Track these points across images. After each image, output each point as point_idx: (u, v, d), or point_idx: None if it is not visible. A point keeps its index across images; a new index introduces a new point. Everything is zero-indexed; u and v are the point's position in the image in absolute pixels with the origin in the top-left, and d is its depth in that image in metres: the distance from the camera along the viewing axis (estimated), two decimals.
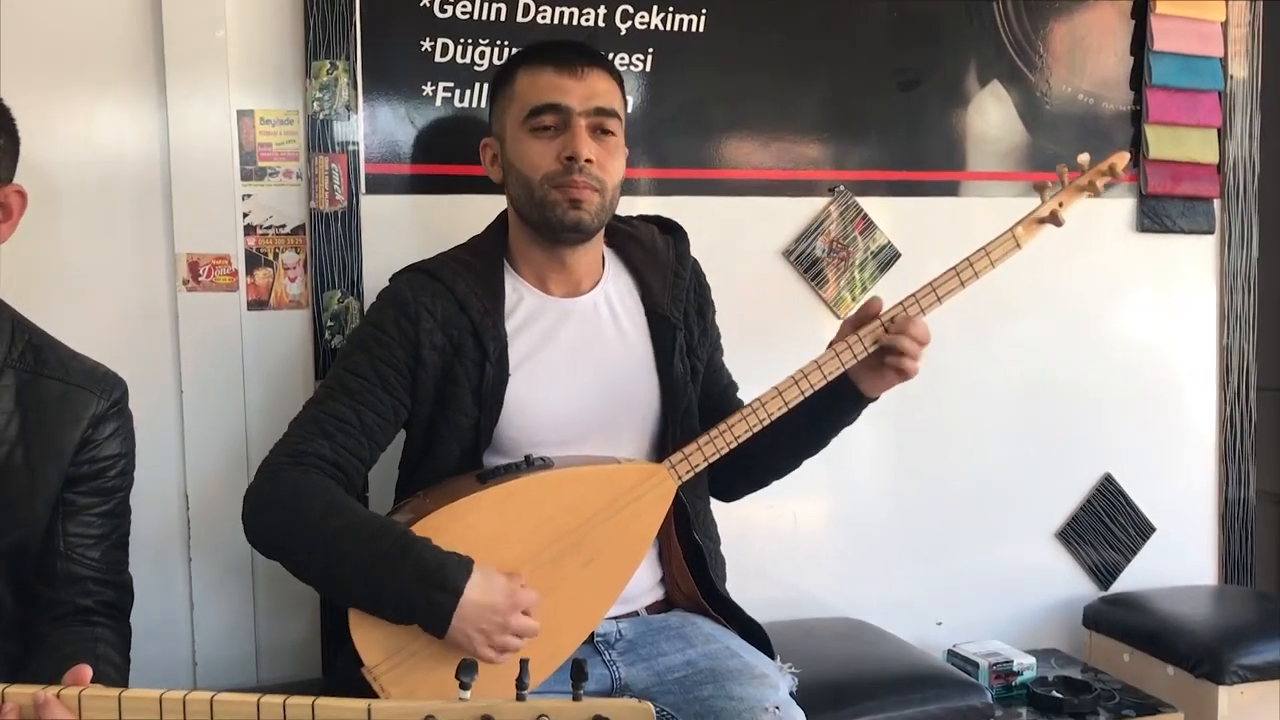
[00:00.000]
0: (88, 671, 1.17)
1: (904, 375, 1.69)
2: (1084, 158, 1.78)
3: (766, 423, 1.64)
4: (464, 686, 1.04)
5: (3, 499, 1.43)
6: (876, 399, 1.76)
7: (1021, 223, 1.75)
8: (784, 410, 1.64)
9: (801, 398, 1.65)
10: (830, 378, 1.66)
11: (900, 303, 1.69)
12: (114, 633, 1.52)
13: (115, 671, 1.46)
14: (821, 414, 1.73)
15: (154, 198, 1.97)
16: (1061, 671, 2.36)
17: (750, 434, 1.64)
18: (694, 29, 2.24)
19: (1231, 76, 2.62)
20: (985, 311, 2.46)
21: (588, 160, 1.64)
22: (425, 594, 1.43)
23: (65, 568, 1.48)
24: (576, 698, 1.05)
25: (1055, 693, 2.24)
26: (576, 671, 1.04)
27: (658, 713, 1.61)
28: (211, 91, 1.97)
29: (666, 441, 1.73)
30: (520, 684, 1.04)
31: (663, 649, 1.69)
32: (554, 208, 1.65)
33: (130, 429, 1.56)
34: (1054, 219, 1.75)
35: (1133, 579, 2.63)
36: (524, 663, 1.04)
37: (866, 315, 1.69)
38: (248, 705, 1.08)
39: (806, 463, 1.85)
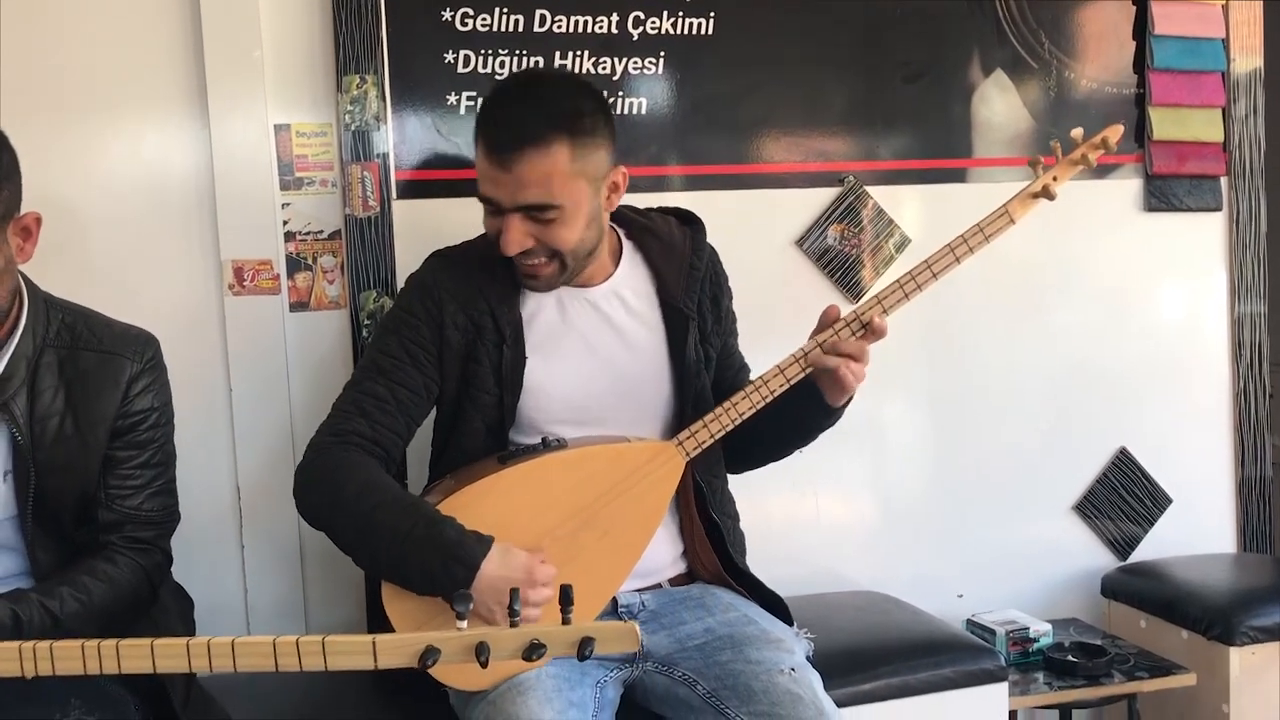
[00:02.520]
0: None
1: (844, 387, 1.71)
2: (1077, 132, 1.80)
3: (770, 399, 1.72)
4: (460, 617, 1.14)
5: (62, 465, 1.55)
6: (840, 408, 1.79)
7: (1016, 198, 1.77)
8: (786, 386, 1.72)
9: (802, 374, 1.72)
10: (807, 370, 1.73)
11: (897, 281, 1.75)
12: (131, 563, 1.60)
13: (78, 604, 1.51)
14: (798, 413, 1.81)
15: (200, 209, 2.10)
16: (1078, 638, 2.42)
17: (754, 410, 1.72)
18: (704, 32, 2.33)
19: (1235, 56, 2.67)
20: (1002, 294, 2.55)
21: (523, 250, 1.69)
22: (445, 567, 1.54)
23: (105, 516, 1.60)
24: (566, 621, 1.15)
25: (1071, 657, 2.31)
26: (563, 596, 1.14)
27: (680, 678, 1.71)
28: (250, 108, 2.10)
29: (680, 426, 1.79)
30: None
31: (683, 618, 1.77)
32: (514, 268, 1.74)
33: (164, 382, 1.67)
34: (1046, 193, 1.77)
35: (1151, 550, 2.69)
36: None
37: (824, 323, 1.74)
38: (264, 645, 1.20)
39: (831, 446, 1.92)
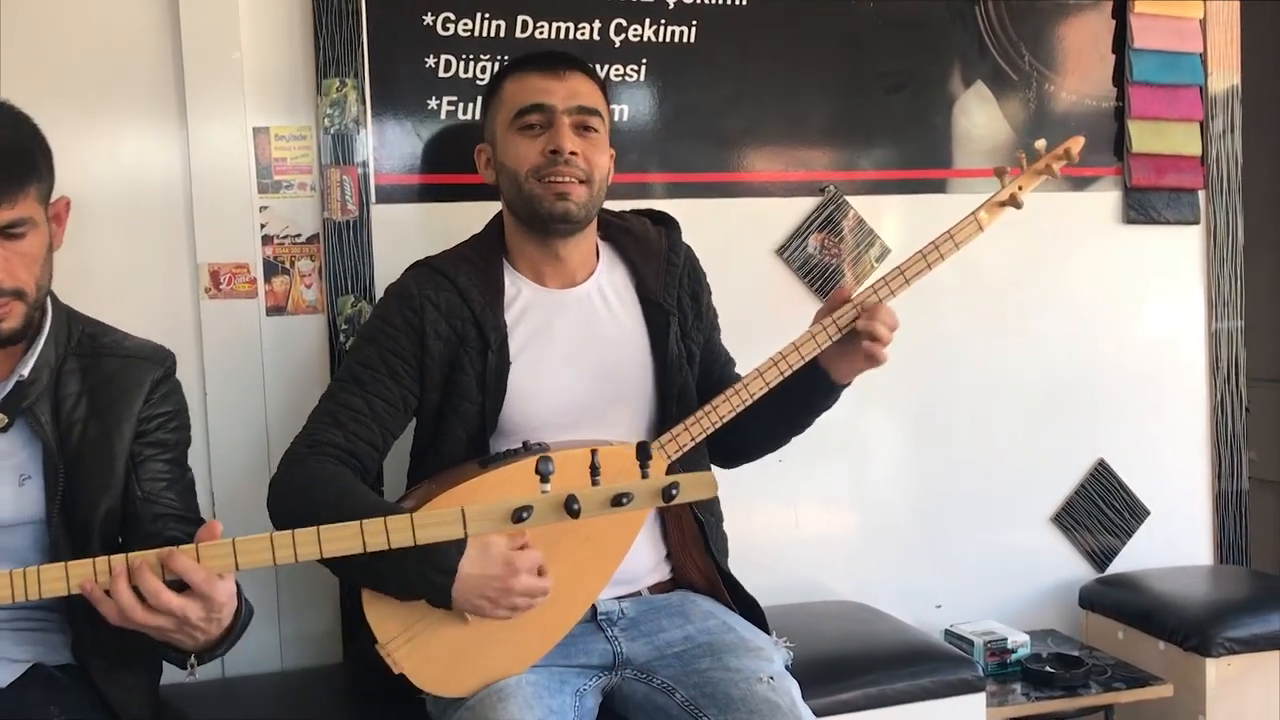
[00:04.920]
0: (219, 526, 1.31)
1: (874, 360, 1.76)
2: (1041, 143, 1.87)
3: (750, 402, 1.73)
4: (544, 479, 1.21)
5: (89, 467, 1.54)
6: (848, 384, 1.83)
7: (983, 206, 1.84)
8: (765, 390, 1.73)
9: (781, 378, 1.73)
10: (806, 358, 1.75)
11: (870, 286, 1.78)
12: None
13: None
14: (800, 397, 1.82)
15: (177, 211, 2.08)
16: (1056, 649, 2.43)
17: (735, 413, 1.73)
18: (685, 40, 2.34)
19: (1212, 71, 2.69)
20: (982, 306, 2.56)
21: (572, 153, 1.74)
22: (423, 574, 1.53)
23: (146, 509, 1.58)
24: (644, 475, 1.23)
25: (1048, 668, 2.31)
26: (641, 451, 1.23)
27: (659, 686, 1.70)
28: (229, 111, 2.08)
29: (664, 423, 1.80)
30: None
31: (662, 625, 1.77)
32: (540, 200, 1.75)
33: (180, 394, 1.68)
34: (1013, 201, 1.85)
35: (1129, 562, 2.70)
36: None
37: (836, 301, 1.78)
38: (351, 529, 1.27)
39: (811, 456, 1.93)
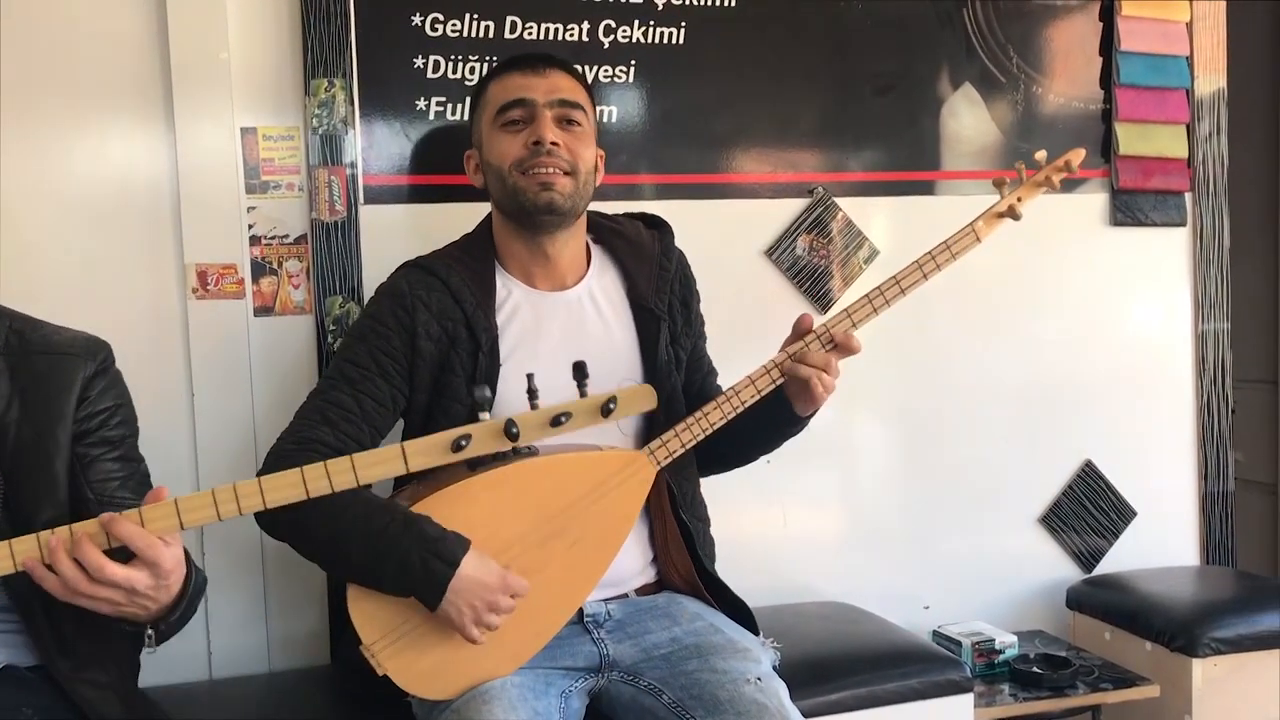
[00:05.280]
0: (166, 490, 1.30)
1: (813, 399, 1.73)
2: (1041, 154, 1.86)
3: (740, 410, 1.73)
4: (481, 408, 1.23)
5: (26, 472, 1.51)
6: (808, 418, 1.82)
7: (981, 217, 1.83)
8: (757, 398, 1.73)
9: (774, 385, 1.73)
10: (776, 383, 1.74)
11: (866, 296, 1.77)
12: None
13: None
14: (764, 422, 1.82)
15: (164, 212, 2.08)
16: (1043, 649, 2.44)
17: (725, 420, 1.72)
18: (674, 41, 2.34)
19: (1198, 75, 2.70)
20: (969, 307, 2.56)
21: (554, 143, 1.74)
22: (424, 562, 1.52)
23: (100, 510, 1.50)
24: (583, 395, 1.24)
25: (1036, 669, 2.32)
26: (578, 371, 1.24)
27: (645, 687, 1.70)
28: (216, 111, 2.08)
29: (652, 428, 1.79)
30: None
31: (649, 627, 1.77)
32: (525, 192, 1.75)
33: (121, 385, 1.63)
34: (1012, 213, 1.84)
35: (1116, 562, 2.71)
36: (530, 376, 1.28)
37: (797, 333, 1.76)
38: (293, 476, 1.27)
39: (799, 457, 1.93)
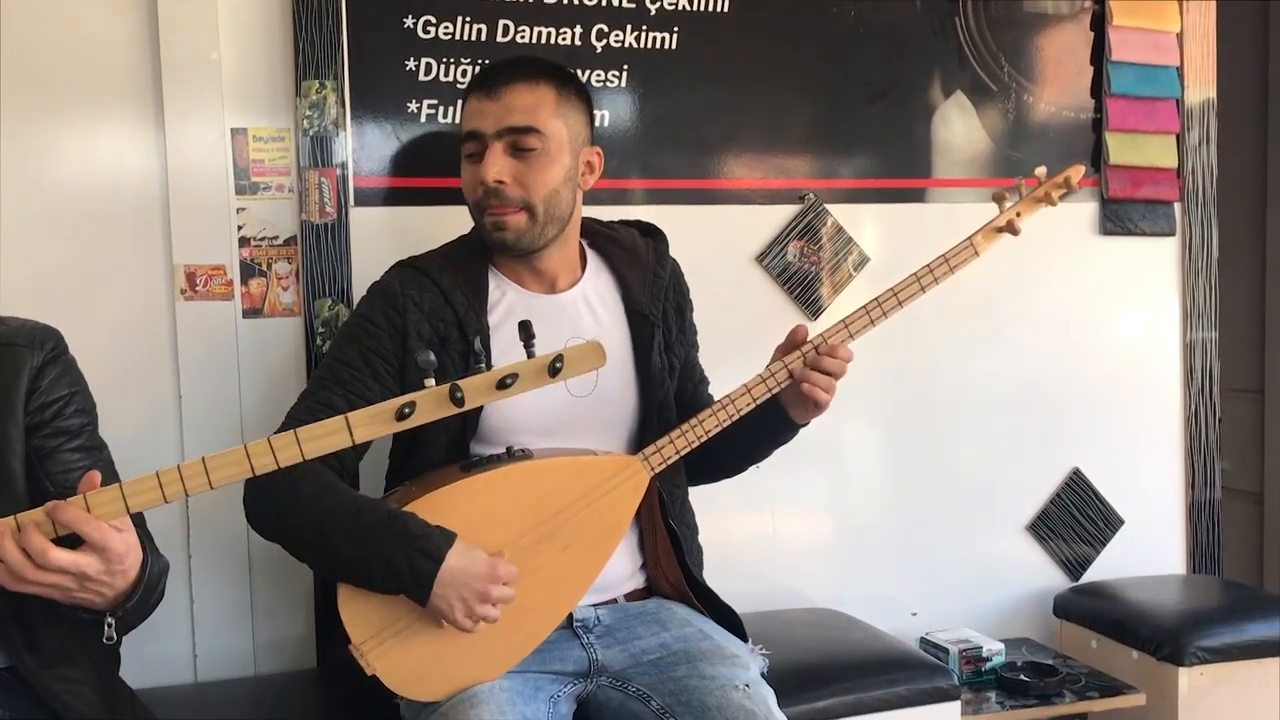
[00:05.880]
0: (97, 476, 1.27)
1: (818, 405, 1.76)
2: (1041, 170, 1.87)
3: (735, 418, 1.73)
4: (426, 374, 1.20)
5: None
6: (805, 425, 1.83)
7: (980, 231, 1.84)
8: (751, 406, 1.73)
9: (769, 394, 1.73)
10: (783, 384, 1.74)
11: (863, 307, 1.77)
12: None
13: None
14: (759, 430, 1.82)
15: (153, 212, 2.06)
16: (1030, 657, 2.44)
17: (720, 428, 1.73)
18: (667, 46, 2.34)
19: (1188, 85, 2.72)
20: (959, 315, 2.56)
21: (498, 181, 1.72)
22: (409, 560, 1.51)
23: None
24: (530, 355, 1.22)
25: (1023, 677, 2.32)
26: (524, 330, 1.23)
27: (634, 693, 1.70)
28: (206, 111, 2.07)
29: (644, 433, 1.80)
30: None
31: (638, 633, 1.76)
32: (485, 230, 1.77)
33: (75, 371, 1.59)
34: (1011, 228, 1.85)
35: (1103, 571, 2.71)
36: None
37: (792, 343, 1.77)
38: (237, 453, 1.25)
39: (788, 464, 1.93)
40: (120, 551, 1.29)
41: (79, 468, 1.53)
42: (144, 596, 1.41)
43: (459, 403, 1.21)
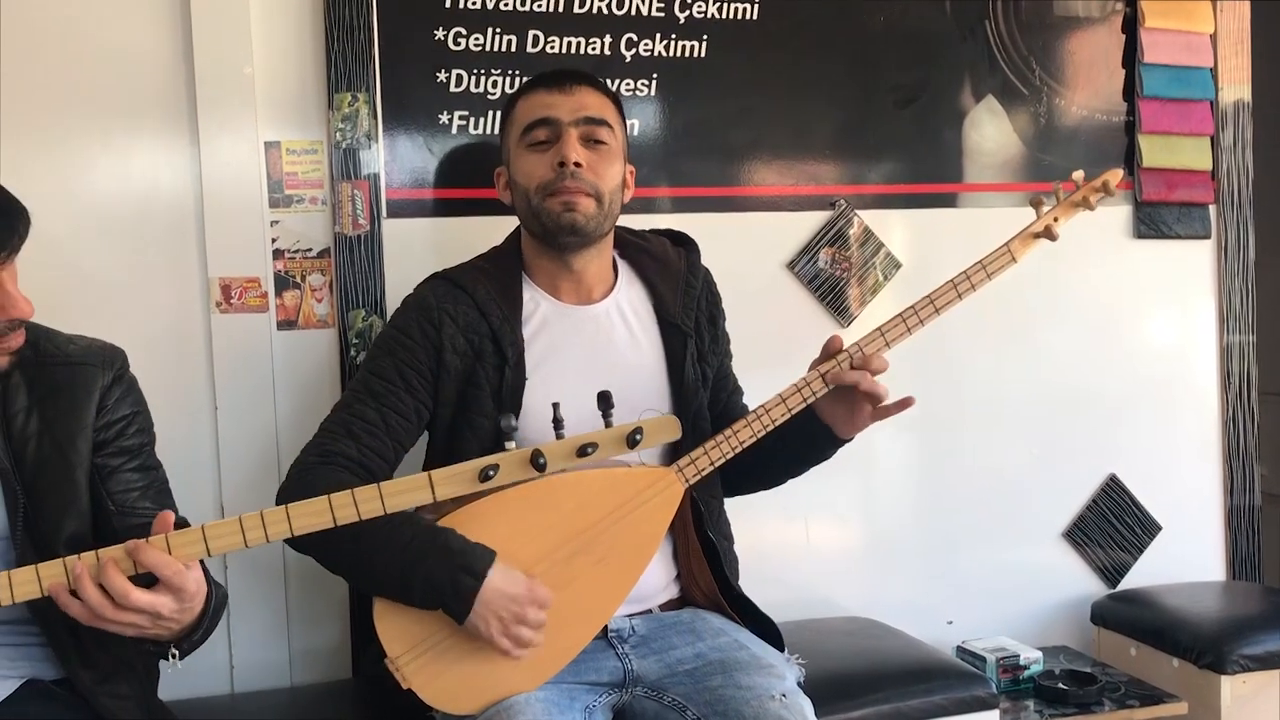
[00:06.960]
0: (171, 516, 1.30)
1: (879, 406, 1.73)
2: (1078, 174, 1.83)
3: (771, 428, 1.69)
4: (508, 437, 1.24)
5: (50, 483, 1.50)
6: (850, 439, 1.80)
7: (1017, 237, 1.80)
8: (787, 416, 1.70)
9: (804, 403, 1.70)
10: (819, 394, 1.71)
11: (899, 315, 1.75)
12: None
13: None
14: (797, 443, 1.79)
15: (188, 225, 2.08)
16: (1069, 665, 2.42)
17: (755, 439, 1.70)
18: (696, 55, 2.34)
19: (1222, 86, 2.69)
20: (993, 320, 2.54)
21: (577, 164, 1.74)
22: (451, 576, 1.51)
23: (121, 521, 1.54)
24: (608, 424, 1.25)
25: (1061, 685, 2.30)
26: (603, 401, 1.26)
27: (670, 703, 1.69)
28: (240, 125, 2.09)
29: (678, 445, 1.77)
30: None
31: (674, 643, 1.75)
32: (549, 214, 1.75)
33: (137, 391, 1.62)
34: (1048, 234, 1.81)
35: (1141, 578, 2.68)
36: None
37: (828, 353, 1.73)
38: (320, 504, 1.28)
39: (821, 471, 1.90)
40: (193, 590, 1.32)
41: (137, 487, 1.57)
42: (208, 628, 1.44)
43: (541, 468, 1.26)
